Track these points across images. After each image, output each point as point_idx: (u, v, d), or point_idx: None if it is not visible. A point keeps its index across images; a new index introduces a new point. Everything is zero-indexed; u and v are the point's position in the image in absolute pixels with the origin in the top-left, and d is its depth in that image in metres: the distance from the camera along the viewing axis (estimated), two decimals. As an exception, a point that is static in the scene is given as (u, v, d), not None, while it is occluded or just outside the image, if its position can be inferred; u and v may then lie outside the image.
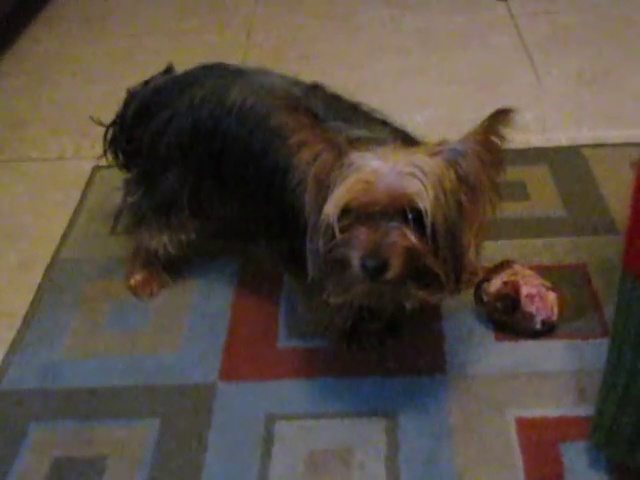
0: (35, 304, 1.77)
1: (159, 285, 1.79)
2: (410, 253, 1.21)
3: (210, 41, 2.92)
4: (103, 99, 2.45)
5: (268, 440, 1.43)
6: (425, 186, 1.20)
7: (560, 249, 1.81)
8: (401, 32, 2.91)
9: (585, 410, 1.42)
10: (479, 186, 1.25)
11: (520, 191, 1.99)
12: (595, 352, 1.52)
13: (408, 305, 1.34)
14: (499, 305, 1.58)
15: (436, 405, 1.48)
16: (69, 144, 2.35)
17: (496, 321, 1.61)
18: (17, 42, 3.00)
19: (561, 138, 2.22)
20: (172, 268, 1.80)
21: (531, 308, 1.55)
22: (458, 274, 1.28)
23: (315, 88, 1.54)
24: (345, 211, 1.23)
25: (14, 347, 1.67)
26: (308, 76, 1.59)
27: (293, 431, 1.45)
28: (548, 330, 1.58)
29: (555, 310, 1.57)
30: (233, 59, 1.76)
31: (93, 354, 1.64)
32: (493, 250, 1.72)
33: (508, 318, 1.58)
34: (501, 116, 1.23)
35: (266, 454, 1.41)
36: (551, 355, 1.55)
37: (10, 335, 1.69)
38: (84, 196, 2.11)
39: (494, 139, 1.24)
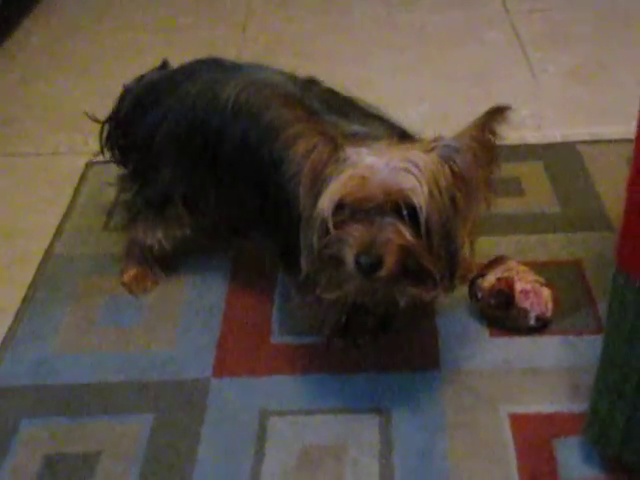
0: (28, 300, 1.76)
1: (153, 281, 1.78)
2: (404, 250, 1.21)
3: (205, 36, 2.91)
4: (97, 95, 2.43)
5: (261, 436, 1.43)
6: (420, 182, 1.20)
7: (554, 245, 1.80)
8: (397, 28, 2.91)
9: (579, 406, 1.41)
10: (474, 182, 1.25)
11: (515, 187, 1.99)
12: (589, 348, 1.52)
13: (402, 302, 1.34)
14: (493, 301, 1.58)
15: (430, 401, 1.47)
16: (63, 140, 2.34)
17: (490, 317, 1.61)
18: (10, 37, 2.99)
19: (556, 134, 2.22)
20: (166, 264, 1.79)
21: (525, 304, 1.55)
22: (452, 271, 1.27)
23: (310, 83, 1.53)
24: (339, 206, 1.22)
25: (6, 343, 1.66)
26: (303, 72, 1.58)
27: (286, 427, 1.45)
28: (542, 326, 1.58)
29: (549, 306, 1.57)
30: (228, 54, 1.75)
31: (86, 350, 1.63)
32: (487, 246, 1.72)
33: (502, 314, 1.58)
34: (496, 113, 1.22)
35: (259, 450, 1.41)
36: (545, 351, 1.55)
37: (2, 331, 1.69)
38: (77, 192, 2.10)
39: (489, 136, 1.24)
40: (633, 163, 1.07)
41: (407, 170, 1.20)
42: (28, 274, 1.83)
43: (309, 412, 1.47)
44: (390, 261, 1.20)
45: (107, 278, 1.81)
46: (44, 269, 1.85)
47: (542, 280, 1.59)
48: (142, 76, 1.73)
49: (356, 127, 1.39)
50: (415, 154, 1.23)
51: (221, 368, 1.57)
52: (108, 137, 1.75)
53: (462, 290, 1.59)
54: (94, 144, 1.79)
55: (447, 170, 1.23)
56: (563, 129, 2.24)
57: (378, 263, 1.20)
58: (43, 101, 2.57)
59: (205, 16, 3.07)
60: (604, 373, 1.22)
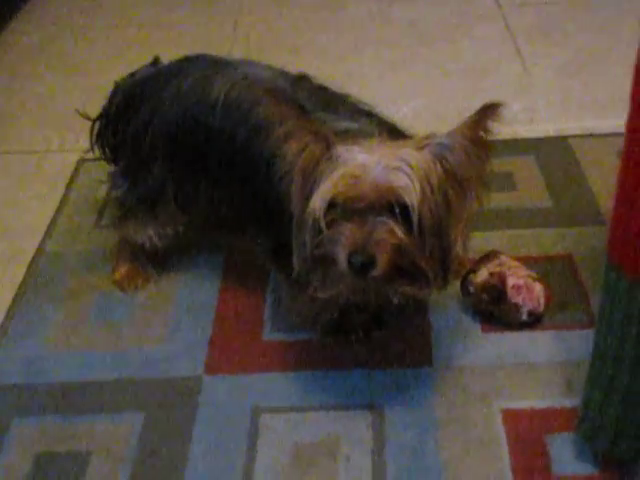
0: (19, 297, 1.75)
1: (144, 279, 1.78)
2: (397, 249, 1.20)
3: (196, 33, 2.90)
4: (88, 92, 2.41)
5: (253, 433, 1.43)
6: (412, 180, 1.19)
7: (547, 240, 1.80)
8: (389, 24, 2.90)
9: (571, 401, 1.41)
10: (466, 180, 1.25)
11: (507, 182, 1.99)
12: (582, 343, 1.51)
13: (395, 300, 1.33)
14: (485, 296, 1.57)
15: (422, 397, 1.47)
16: (54, 137, 2.33)
17: (482, 312, 1.61)
18: (1, 35, 2.98)
19: (548, 129, 2.22)
20: (157, 262, 1.79)
21: (517, 299, 1.55)
22: (445, 269, 1.27)
23: (301, 79, 1.53)
24: (331, 205, 1.22)
25: (-3, 341, 1.65)
26: (295, 68, 1.57)
27: (279, 424, 1.44)
28: (534, 321, 1.58)
29: (541, 301, 1.56)
30: (220, 51, 1.74)
31: (77, 348, 1.63)
32: (479, 241, 1.71)
33: (494, 309, 1.58)
34: (489, 110, 1.22)
35: (252, 447, 1.40)
36: (537, 346, 1.55)
37: (-7, 329, 1.68)
38: (69, 189, 2.10)
39: (482, 133, 1.23)
40: (624, 157, 1.06)
41: (399, 169, 1.20)
42: (19, 272, 1.83)
43: (301, 409, 1.47)
44: (383, 260, 1.20)
45: (98, 276, 1.80)
46: (35, 267, 1.84)
47: (534, 275, 1.59)
48: (133, 73, 1.72)
49: (346, 123, 1.38)
50: (407, 152, 1.22)
51: (213, 366, 1.56)
52: (99, 134, 1.74)
53: (454, 285, 1.59)
54: (85, 142, 1.78)
55: (439, 168, 1.23)
56: (555, 123, 2.23)
57: (371, 263, 1.19)
58: (34, 99, 2.57)
59: (196, 12, 3.06)
60: (596, 368, 1.22)
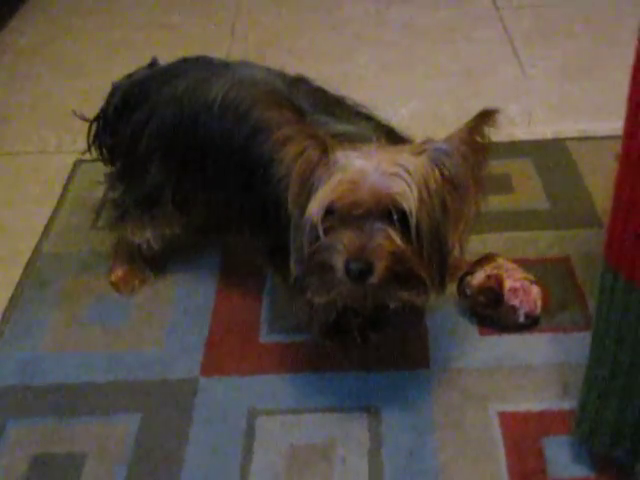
0: (15, 299, 1.75)
1: (141, 280, 1.77)
2: (395, 256, 1.20)
3: (194, 34, 2.90)
4: (86, 93, 2.43)
5: (250, 435, 1.42)
6: (410, 186, 1.19)
7: (544, 242, 1.80)
8: (386, 25, 2.91)
9: (568, 404, 1.41)
10: (464, 186, 1.24)
11: (504, 184, 1.99)
12: (578, 345, 1.51)
13: (392, 306, 1.33)
14: (482, 299, 1.57)
15: (419, 399, 1.47)
16: (51, 138, 2.33)
17: (479, 315, 1.61)
18: (-1, 35, 2.99)
19: (546, 131, 2.22)
20: (154, 263, 1.78)
21: (514, 301, 1.55)
22: (443, 275, 1.27)
23: (299, 81, 1.53)
24: (329, 211, 1.21)
25: (-7, 343, 1.65)
26: (292, 69, 1.57)
27: (275, 426, 1.44)
28: (532, 323, 1.58)
29: (538, 303, 1.56)
30: (218, 52, 1.74)
31: (74, 349, 1.62)
32: (477, 243, 1.71)
33: (491, 312, 1.58)
34: (486, 116, 1.22)
35: (248, 449, 1.40)
36: (534, 349, 1.55)
37: (-11, 330, 1.68)
38: (66, 190, 2.10)
39: (479, 139, 1.23)
40: (621, 160, 1.06)
41: (397, 174, 1.20)
42: (16, 273, 1.82)
43: (298, 411, 1.47)
44: (380, 267, 1.19)
45: (95, 277, 1.80)
46: (32, 268, 1.84)
47: (531, 277, 1.59)
48: (131, 74, 1.71)
49: (344, 126, 1.38)
50: (405, 157, 1.22)
51: (209, 367, 1.56)
52: (96, 135, 1.74)
53: (451, 288, 1.59)
54: (82, 143, 1.78)
55: (437, 173, 1.22)
56: (553, 126, 2.24)
57: (368, 269, 1.19)
58: (31, 100, 2.56)
59: (194, 14, 3.06)
60: (593, 370, 1.22)
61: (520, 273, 1.59)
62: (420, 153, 1.23)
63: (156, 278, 1.78)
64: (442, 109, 2.33)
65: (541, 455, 1.35)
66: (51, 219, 1.99)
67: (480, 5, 2.97)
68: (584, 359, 1.25)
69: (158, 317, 1.69)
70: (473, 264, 1.62)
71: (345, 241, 1.20)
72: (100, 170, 1.78)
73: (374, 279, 1.20)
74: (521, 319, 1.56)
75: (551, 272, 1.71)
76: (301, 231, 1.25)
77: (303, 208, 1.24)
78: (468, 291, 1.59)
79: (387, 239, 1.20)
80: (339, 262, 1.20)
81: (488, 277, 1.57)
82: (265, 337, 1.62)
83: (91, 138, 1.74)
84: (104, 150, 1.73)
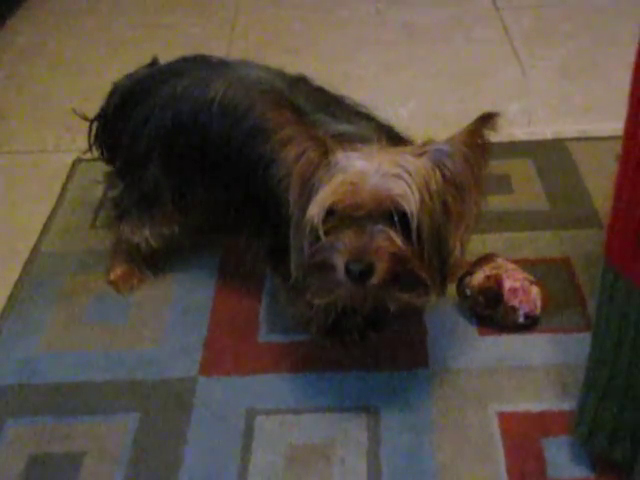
0: (13, 298, 1.75)
1: (139, 279, 1.77)
2: (396, 257, 1.20)
3: (194, 34, 2.90)
4: (85, 92, 2.42)
5: (248, 435, 1.42)
6: (411, 188, 1.19)
7: (544, 243, 1.80)
8: (386, 25, 2.90)
9: (567, 404, 1.41)
10: (465, 187, 1.24)
11: (504, 184, 1.99)
12: (578, 346, 1.51)
13: (392, 307, 1.33)
14: (482, 299, 1.57)
15: (418, 400, 1.47)
16: (50, 137, 2.33)
17: (479, 315, 1.60)
18: (-2, 34, 2.98)
19: (546, 131, 2.22)
20: (153, 262, 1.78)
21: (514, 302, 1.55)
22: (444, 277, 1.27)
23: (299, 81, 1.52)
24: (329, 213, 1.21)
25: (-9, 342, 1.65)
26: (292, 69, 1.57)
27: (274, 426, 1.44)
28: (531, 324, 1.58)
29: (538, 304, 1.56)
30: (217, 52, 1.74)
31: (72, 349, 1.62)
32: (476, 243, 1.71)
33: (491, 312, 1.58)
34: (487, 119, 1.21)
35: (246, 449, 1.40)
36: (534, 349, 1.54)
37: (-13, 329, 1.67)
38: (65, 189, 2.09)
39: (480, 141, 1.23)
40: (621, 160, 1.06)
41: (398, 176, 1.19)
42: (14, 272, 1.82)
43: (296, 411, 1.46)
44: (381, 268, 1.19)
45: (94, 276, 1.79)
46: (30, 267, 1.83)
47: (531, 278, 1.59)
48: (131, 73, 1.71)
49: (344, 126, 1.38)
50: (406, 159, 1.22)
51: (208, 367, 1.56)
52: (96, 135, 1.73)
53: (451, 288, 1.58)
54: (81, 142, 1.78)
55: (438, 175, 1.22)
56: (553, 126, 2.23)
57: (369, 271, 1.19)
58: (30, 99, 2.56)
59: (194, 13, 3.06)
60: (593, 371, 1.22)
61: (520, 273, 1.59)
62: (421, 154, 1.23)
63: (155, 277, 1.78)
64: (442, 109, 2.33)
65: (540, 455, 1.35)
66: (50, 218, 1.99)
67: (480, 5, 2.97)
68: (583, 359, 1.25)
69: (157, 316, 1.68)
70: (473, 264, 1.61)
71: (346, 242, 1.20)
72: (99, 169, 1.78)
73: (374, 280, 1.19)
74: (521, 319, 1.56)
75: (551, 272, 1.70)
76: (301, 232, 1.25)
77: (303, 209, 1.24)
78: (468, 291, 1.59)
79: (388, 240, 1.19)
80: (339, 263, 1.20)
81: (488, 277, 1.57)
82: (264, 337, 1.62)
83: (92, 137, 1.74)
84: (104, 149, 1.72)
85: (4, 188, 2.14)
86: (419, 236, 1.20)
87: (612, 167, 1.86)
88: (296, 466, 1.37)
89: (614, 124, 2.07)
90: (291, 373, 1.53)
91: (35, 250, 1.88)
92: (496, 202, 1.88)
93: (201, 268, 1.79)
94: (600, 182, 1.96)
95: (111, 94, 1.70)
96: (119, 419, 1.47)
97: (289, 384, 1.51)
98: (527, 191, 1.97)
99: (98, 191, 1.95)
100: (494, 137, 1.23)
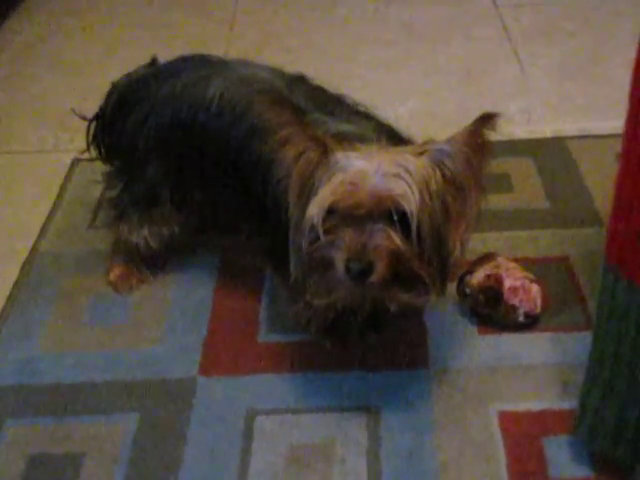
0: (12, 298, 1.74)
1: (139, 279, 1.77)
2: (395, 256, 1.20)
3: (192, 33, 2.89)
4: (84, 92, 2.41)
5: (248, 435, 1.42)
6: (411, 187, 1.18)
7: (544, 241, 1.80)
8: (385, 24, 2.90)
9: (568, 403, 1.41)
10: (465, 187, 1.24)
11: (504, 183, 1.98)
12: (578, 345, 1.51)
13: (392, 308, 1.33)
14: (482, 298, 1.57)
15: (419, 399, 1.46)
16: (48, 136, 2.32)
17: (479, 314, 1.60)
18: (-3, 33, 2.98)
19: (545, 130, 2.21)
20: (152, 262, 1.78)
21: (514, 301, 1.54)
22: (444, 276, 1.26)
23: (298, 80, 1.52)
24: (329, 212, 1.21)
25: (-10, 342, 1.64)
26: (291, 68, 1.57)
27: (274, 426, 1.43)
28: (531, 323, 1.58)
29: (538, 303, 1.56)
30: (216, 51, 1.74)
31: (71, 349, 1.62)
32: (476, 242, 1.70)
33: (491, 311, 1.57)
34: (487, 119, 1.21)
35: (246, 449, 1.40)
36: (534, 348, 1.54)
37: (-14, 330, 1.67)
38: (63, 189, 2.09)
39: (480, 141, 1.22)
40: (622, 159, 1.06)
41: (398, 175, 1.19)
42: (13, 272, 1.81)
43: (296, 411, 1.46)
44: (381, 267, 1.19)
45: (93, 276, 1.79)
46: (29, 267, 1.83)
47: (531, 276, 1.58)
48: (130, 73, 1.71)
49: (343, 125, 1.38)
50: (406, 158, 1.21)
51: (208, 367, 1.55)
52: (95, 134, 1.73)
53: (451, 287, 1.58)
54: (80, 141, 1.78)
55: (438, 174, 1.22)
56: (552, 124, 2.23)
57: (369, 269, 1.18)
58: (28, 99, 2.55)
59: (192, 12, 3.05)
60: (594, 370, 1.21)
61: (520, 272, 1.58)
62: (421, 154, 1.23)
63: (154, 278, 1.78)
64: (441, 108, 2.32)
65: (541, 455, 1.35)
66: (48, 218, 1.98)
67: (479, 3, 2.96)
68: (584, 358, 1.24)
69: (156, 317, 1.68)
70: (473, 263, 1.61)
71: (345, 240, 1.19)
72: (98, 169, 1.78)
73: (374, 278, 1.19)
74: (521, 318, 1.56)
75: (551, 271, 1.70)
76: (301, 232, 1.25)
77: (303, 209, 1.24)
78: (468, 290, 1.59)
79: (387, 239, 1.19)
80: (339, 261, 1.20)
81: (488, 276, 1.57)
82: (264, 337, 1.61)
83: (90, 137, 1.73)
84: (103, 149, 1.72)
85: (2, 188, 2.13)
86: (419, 236, 1.20)
87: (612, 166, 1.86)
88: (296, 466, 1.37)
89: (614, 122, 2.07)
90: (291, 373, 1.53)
91: (34, 250, 1.88)
92: (496, 201, 1.88)
93: (200, 268, 1.79)
94: (600, 181, 1.95)
95: (110, 94, 1.70)
96: (119, 419, 1.47)
97: (289, 384, 1.51)
98: (527, 190, 1.97)
99: (97, 191, 1.95)
100: (494, 136, 1.23)
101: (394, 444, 1.39)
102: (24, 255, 1.86)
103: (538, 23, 2.79)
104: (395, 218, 1.19)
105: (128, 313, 1.70)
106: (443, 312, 1.62)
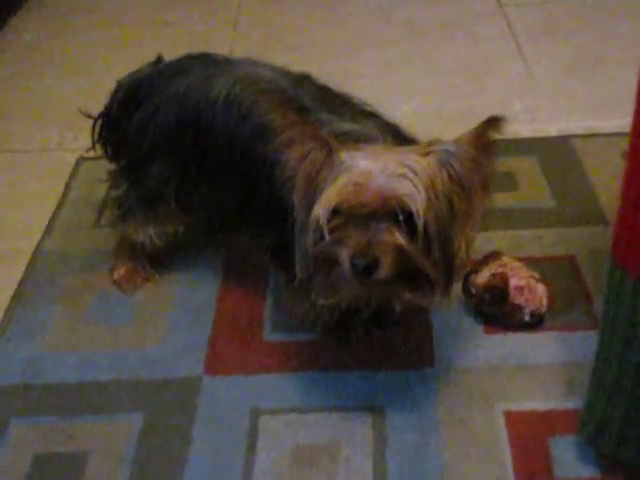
0: (17, 297, 1.74)
1: (143, 278, 1.76)
2: (400, 253, 1.19)
3: (197, 32, 2.90)
4: (88, 91, 2.43)
5: (253, 434, 1.42)
6: (417, 187, 1.18)
7: (549, 240, 1.79)
8: (389, 22, 2.90)
9: (574, 403, 1.40)
10: (471, 187, 1.23)
11: (509, 182, 1.98)
12: (584, 344, 1.50)
13: (398, 308, 1.33)
14: (487, 297, 1.56)
15: (424, 399, 1.46)
16: (53, 135, 2.32)
17: (484, 313, 1.60)
18: (1, 32, 2.97)
19: (550, 128, 2.21)
20: (157, 261, 1.78)
21: (520, 300, 1.54)
22: (449, 276, 1.26)
23: (303, 79, 1.52)
24: (335, 212, 1.21)
25: (-5, 341, 1.64)
26: (295, 67, 1.57)
27: (278, 425, 1.43)
28: (537, 322, 1.57)
29: (544, 302, 1.55)
30: (220, 49, 1.74)
31: (76, 348, 1.61)
32: (482, 241, 1.70)
33: (496, 310, 1.57)
34: (493, 122, 1.21)
35: (251, 449, 1.39)
36: (540, 347, 1.54)
37: (-9, 329, 1.67)
38: (68, 188, 2.09)
39: (486, 143, 1.22)
40: (629, 158, 1.05)
41: (404, 175, 1.19)
42: (18, 271, 1.81)
43: (301, 410, 1.46)
44: (386, 263, 1.19)
45: (97, 275, 1.79)
46: (34, 266, 1.83)
47: (536, 276, 1.58)
48: (135, 71, 1.71)
49: (349, 125, 1.38)
50: (412, 158, 1.21)
51: (212, 366, 1.55)
52: (100, 133, 1.73)
53: (456, 286, 1.57)
54: (84, 140, 1.78)
55: (444, 174, 1.21)
56: (557, 123, 2.23)
57: (374, 265, 1.18)
58: (33, 98, 2.56)
59: (197, 11, 3.05)
60: (600, 369, 1.21)
61: (525, 271, 1.58)
62: (427, 154, 1.22)
63: (159, 277, 1.77)
64: (445, 106, 2.32)
65: (547, 455, 1.34)
66: (53, 217, 1.98)
67: (484, 2, 2.95)
68: (590, 358, 1.24)
69: (161, 316, 1.68)
70: (478, 262, 1.61)
71: (351, 237, 1.19)
72: (102, 168, 1.78)
73: (379, 275, 1.19)
74: (526, 318, 1.55)
75: (556, 270, 1.70)
76: (306, 233, 1.25)
77: (309, 209, 1.24)
78: (473, 289, 1.58)
79: (393, 236, 1.19)
80: (345, 257, 1.20)
81: (493, 275, 1.56)
82: (268, 335, 1.61)
83: (96, 135, 1.73)
84: (108, 147, 1.72)
85: (7, 187, 2.13)
86: (425, 235, 1.20)
87: (617, 164, 1.87)
88: (301, 466, 1.36)
89: (619, 121, 2.09)
90: (296, 372, 1.53)
91: (38, 249, 1.88)
92: (501, 200, 1.88)
93: (205, 267, 1.79)
94: (605, 179, 1.95)
95: (115, 92, 1.70)
96: (123, 419, 1.46)
97: (294, 383, 1.51)
98: (532, 188, 1.96)
99: (101, 190, 1.95)
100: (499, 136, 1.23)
101: (399, 444, 1.38)
102: (29, 254, 1.86)
103: (542, 21, 2.78)
104: (401, 218, 1.19)
105: (133, 312, 1.69)
106: (449, 311, 1.62)
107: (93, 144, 1.74)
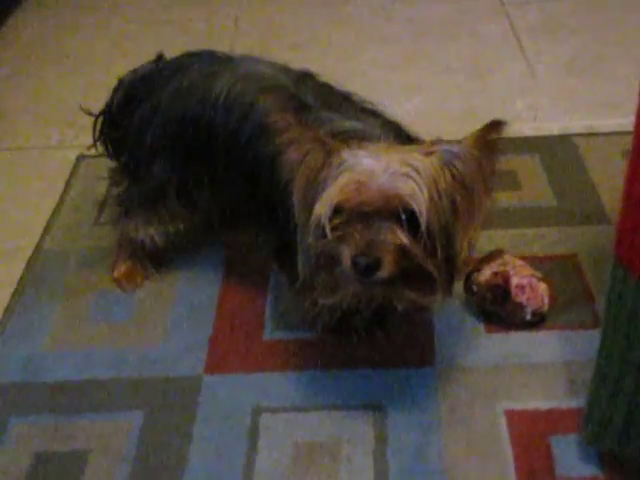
0: (17, 295, 1.74)
1: (144, 277, 1.76)
2: (403, 252, 1.19)
3: (198, 29, 2.89)
4: (89, 88, 2.43)
5: (254, 433, 1.41)
6: (419, 187, 1.18)
7: (551, 239, 1.79)
8: (391, 21, 2.89)
9: (576, 402, 1.40)
10: (474, 188, 1.23)
11: (511, 180, 1.98)
12: (586, 343, 1.50)
13: (400, 307, 1.32)
14: (489, 295, 1.56)
15: (425, 398, 1.46)
16: (53, 133, 2.32)
17: (486, 312, 1.59)
18: (1, 30, 2.97)
19: (552, 127, 2.20)
20: (157, 260, 1.77)
21: (521, 299, 1.54)
22: (451, 276, 1.26)
23: (305, 77, 1.52)
24: (337, 211, 1.20)
25: (-5, 339, 1.64)
26: (297, 65, 1.56)
27: (279, 424, 1.43)
28: (539, 321, 1.57)
29: (546, 301, 1.55)
30: (221, 47, 1.73)
31: (76, 347, 1.61)
32: (483, 240, 1.68)
33: (498, 309, 1.57)
34: (495, 126, 1.20)
35: (252, 447, 1.39)
36: (542, 346, 1.54)
37: (-9, 327, 1.66)
38: (68, 186, 2.08)
39: (489, 145, 1.22)
40: (631, 157, 1.05)
41: (406, 174, 1.18)
42: (17, 269, 1.81)
43: (302, 409, 1.45)
44: (388, 262, 1.18)
45: (98, 274, 1.78)
46: (34, 264, 1.83)
47: (538, 274, 1.57)
48: (136, 69, 1.70)
49: (350, 123, 1.37)
50: (414, 157, 1.21)
51: (213, 365, 1.55)
52: (101, 130, 1.73)
53: (458, 285, 1.57)
54: (85, 138, 1.77)
55: (447, 174, 1.21)
56: (559, 121, 2.22)
57: (376, 264, 1.18)
58: (33, 95, 2.55)
59: (198, 8, 3.05)
60: (602, 368, 1.21)
61: (527, 270, 1.58)
62: (430, 153, 1.22)
63: (159, 275, 1.77)
64: (447, 105, 2.32)
65: (549, 454, 1.34)
66: (53, 215, 1.98)
67: (486, 0, 2.95)
68: (592, 357, 1.23)
69: (161, 314, 1.68)
70: (480, 261, 1.60)
71: (353, 236, 1.19)
72: (103, 165, 1.77)
73: (382, 274, 1.18)
74: (528, 316, 1.55)
75: (558, 269, 1.69)
76: (308, 232, 1.24)
77: (310, 209, 1.23)
78: (475, 288, 1.58)
79: (394, 235, 1.18)
80: (347, 256, 1.19)
81: (495, 274, 1.56)
82: (269, 334, 1.61)
83: (97, 133, 1.73)
84: (109, 145, 1.72)
85: (7, 185, 2.13)
86: (427, 235, 1.19)
87: (620, 163, 1.87)
88: (302, 464, 1.36)
89: (621, 120, 2.08)
90: (297, 371, 1.53)
91: (39, 247, 1.88)
92: (503, 198, 1.88)
93: (206, 265, 1.78)
94: (607, 178, 1.95)
95: (116, 90, 1.69)
96: (124, 417, 1.46)
97: (295, 382, 1.51)
98: (534, 187, 1.96)
99: (102, 187, 1.94)
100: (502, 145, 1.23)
101: (400, 442, 1.38)
102: (29, 252, 1.86)
103: (544, 20, 2.78)
104: (403, 217, 1.18)
105: (133, 310, 1.69)
106: (450, 310, 1.61)
107: (94, 142, 1.74)
